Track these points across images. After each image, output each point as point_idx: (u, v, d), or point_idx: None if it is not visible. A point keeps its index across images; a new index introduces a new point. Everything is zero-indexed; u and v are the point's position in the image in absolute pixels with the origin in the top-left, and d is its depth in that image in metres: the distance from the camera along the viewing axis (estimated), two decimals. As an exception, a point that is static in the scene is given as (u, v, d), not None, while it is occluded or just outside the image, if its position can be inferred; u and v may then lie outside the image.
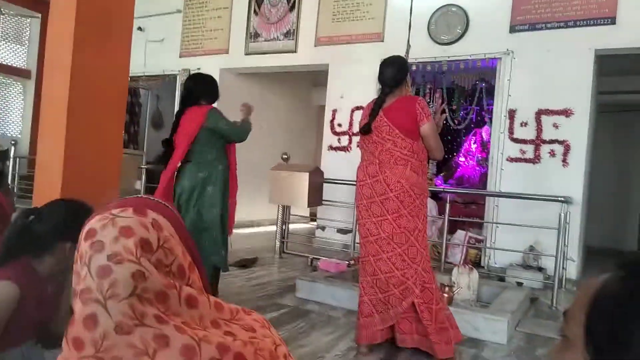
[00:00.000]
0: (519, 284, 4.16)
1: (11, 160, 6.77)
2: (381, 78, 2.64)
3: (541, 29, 4.85)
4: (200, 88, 3.19)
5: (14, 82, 8.65)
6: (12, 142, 6.93)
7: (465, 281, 3.73)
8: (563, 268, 4.07)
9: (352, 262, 4.17)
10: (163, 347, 0.59)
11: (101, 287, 0.60)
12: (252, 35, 6.75)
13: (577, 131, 4.64)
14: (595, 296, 0.60)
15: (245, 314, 0.78)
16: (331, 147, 6.10)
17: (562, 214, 3.89)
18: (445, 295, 3.13)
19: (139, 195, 0.78)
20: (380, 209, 2.52)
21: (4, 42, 8.52)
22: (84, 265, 0.63)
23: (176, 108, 7.55)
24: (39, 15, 8.29)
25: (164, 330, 0.59)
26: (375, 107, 2.57)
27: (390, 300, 2.49)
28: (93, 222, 0.67)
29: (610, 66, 5.31)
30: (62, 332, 1.63)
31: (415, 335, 2.52)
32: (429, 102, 7.41)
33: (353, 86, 5.88)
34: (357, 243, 4.99)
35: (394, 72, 2.59)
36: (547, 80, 4.78)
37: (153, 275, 0.62)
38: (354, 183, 4.77)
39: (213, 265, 3.01)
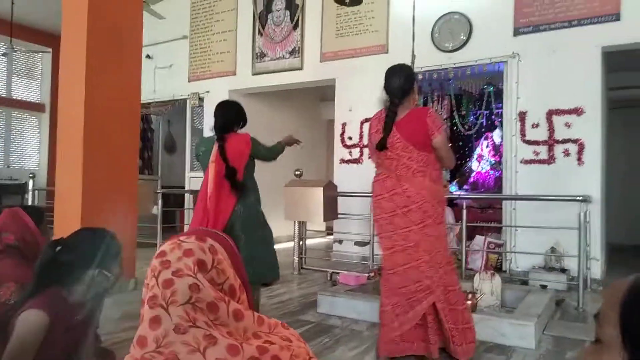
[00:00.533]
0: (543, 287, 4.10)
1: (30, 192, 6.89)
2: (388, 88, 2.61)
3: (545, 30, 4.85)
4: (231, 115, 3.27)
5: (29, 117, 8.85)
6: (30, 175, 7.07)
7: (488, 287, 3.69)
8: (587, 268, 4.02)
9: (371, 274, 4.16)
10: (212, 345, 0.70)
11: (165, 295, 0.74)
12: (258, 56, 6.85)
13: (590, 129, 4.61)
14: (627, 295, 0.60)
15: (284, 328, 0.88)
16: (343, 160, 6.12)
17: (582, 213, 3.85)
18: (469, 302, 3.10)
19: (204, 228, 1.02)
20: (404, 220, 2.51)
21: (18, 78, 8.75)
22: (153, 277, 0.77)
23: (188, 132, 7.70)
24: (50, 50, 8.50)
25: (212, 332, 0.71)
26: (388, 121, 2.55)
27: (413, 305, 2.49)
28: (164, 246, 0.83)
29: (618, 62, 5.28)
30: (89, 357, 1.65)
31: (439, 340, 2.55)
32: (437, 109, 7.43)
33: (361, 99, 5.92)
34: (376, 255, 4.99)
35: (400, 82, 2.57)
36: (555, 80, 4.77)
37: (206, 288, 0.75)
38: (368, 195, 4.78)
39: (264, 281, 3.21)
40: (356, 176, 5.80)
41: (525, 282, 4.36)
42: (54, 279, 1.57)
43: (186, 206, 7.25)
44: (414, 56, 4.60)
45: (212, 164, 3.09)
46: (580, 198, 3.90)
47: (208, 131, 3.65)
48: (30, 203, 6.62)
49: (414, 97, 2.64)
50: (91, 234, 1.72)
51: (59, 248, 1.63)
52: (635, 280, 0.62)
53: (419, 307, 2.47)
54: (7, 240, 2.11)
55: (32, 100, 8.89)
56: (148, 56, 7.50)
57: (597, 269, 4.45)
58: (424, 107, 2.83)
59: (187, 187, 7.45)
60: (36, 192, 6.99)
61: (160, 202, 6.21)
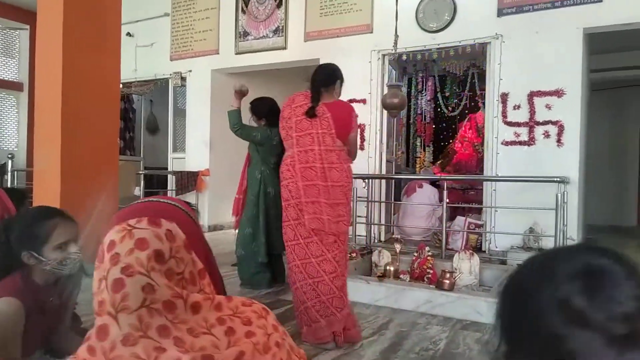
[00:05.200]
0: (521, 266, 4.19)
1: (9, 173, 6.79)
2: (313, 78, 2.78)
3: (529, 10, 4.85)
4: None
5: (6, 96, 8.65)
6: (9, 155, 6.94)
7: (466, 266, 3.77)
8: (563, 248, 4.10)
9: (353, 254, 4.20)
10: (162, 352, 0.65)
11: (114, 301, 0.66)
12: (242, 34, 6.75)
13: (570, 111, 4.65)
14: (505, 282, 0.65)
15: (246, 306, 0.84)
16: (327, 142, 6.10)
17: (559, 194, 3.92)
18: (447, 281, 3.16)
19: (156, 199, 0.81)
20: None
21: (-6, 56, 8.51)
22: (103, 279, 0.68)
23: (171, 112, 7.60)
24: (28, 27, 8.27)
25: (162, 344, 0.65)
26: (315, 93, 2.68)
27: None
28: (113, 234, 0.72)
29: (600, 44, 5.32)
30: (67, 342, 1.64)
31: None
32: (422, 90, 7.43)
33: (345, 79, 5.84)
34: (359, 236, 5.04)
35: (324, 75, 2.78)
36: (537, 61, 4.79)
37: (162, 287, 0.68)
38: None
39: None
40: (340, 157, 5.79)
41: (504, 262, 4.45)
42: (15, 264, 1.53)
43: (169, 187, 7.20)
44: (396, 36, 4.58)
45: None
46: (558, 179, 3.96)
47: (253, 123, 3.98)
48: (9, 184, 6.52)
49: (337, 92, 2.81)
50: (26, 215, 1.66)
51: (7, 231, 1.57)
52: (517, 268, 0.65)
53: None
54: None
55: (10, 79, 8.68)
56: (129, 34, 7.35)
57: (573, 249, 4.55)
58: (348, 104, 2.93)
59: (170, 168, 7.39)
60: (15, 172, 6.89)
61: (142, 182, 6.16)
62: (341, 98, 5.86)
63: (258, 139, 3.75)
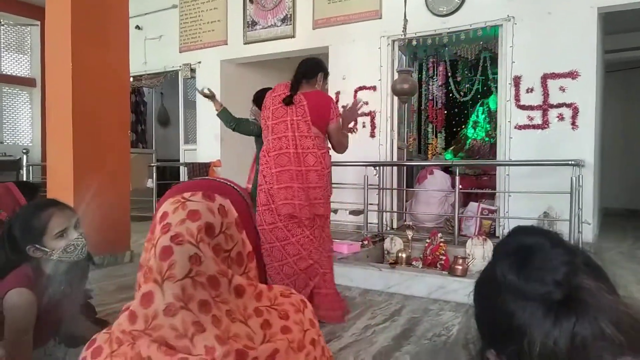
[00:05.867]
0: (535, 251, 4.14)
1: (24, 168, 6.88)
2: (296, 71, 2.77)
3: (541, -9, 4.75)
4: None
5: (20, 92, 8.75)
6: (24, 150, 7.04)
7: (479, 252, 3.74)
8: (579, 232, 4.05)
9: (365, 242, 4.20)
10: (200, 332, 0.63)
11: (161, 268, 0.65)
12: (250, 24, 6.72)
13: (585, 93, 4.56)
14: (478, 279, 0.68)
15: (285, 297, 0.82)
16: (337, 130, 6.07)
17: (574, 178, 3.85)
18: (460, 267, 3.14)
19: (212, 178, 0.81)
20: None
21: (7, 53, 8.60)
22: (152, 246, 0.68)
23: (181, 104, 7.62)
24: (38, 22, 8.33)
25: (201, 320, 0.64)
26: (294, 82, 2.68)
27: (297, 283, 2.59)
28: (166, 205, 0.72)
29: (615, 24, 5.19)
30: (80, 331, 1.66)
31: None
32: (433, 75, 7.34)
33: (354, 66, 5.84)
34: (371, 223, 5.03)
35: (306, 67, 2.76)
36: (550, 43, 4.69)
37: (208, 259, 0.67)
38: (362, 164, 4.79)
39: None
40: (350, 146, 5.76)
41: (518, 247, 4.40)
42: (15, 257, 1.55)
43: (181, 179, 7.25)
44: (406, 21, 4.52)
45: None
46: (573, 162, 3.90)
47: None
48: (25, 179, 6.62)
49: (319, 84, 2.78)
50: (26, 209, 1.67)
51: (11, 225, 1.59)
52: (489, 262, 0.66)
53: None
54: (0, 217, 2.13)
55: (23, 75, 8.77)
56: (137, 27, 7.37)
57: (589, 233, 4.49)
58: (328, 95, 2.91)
59: (181, 160, 7.43)
60: (30, 167, 6.98)
61: (154, 175, 6.21)
62: (350, 85, 5.85)
63: (256, 132, 3.74)
